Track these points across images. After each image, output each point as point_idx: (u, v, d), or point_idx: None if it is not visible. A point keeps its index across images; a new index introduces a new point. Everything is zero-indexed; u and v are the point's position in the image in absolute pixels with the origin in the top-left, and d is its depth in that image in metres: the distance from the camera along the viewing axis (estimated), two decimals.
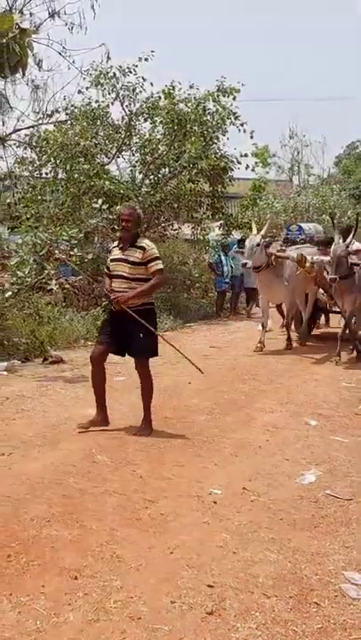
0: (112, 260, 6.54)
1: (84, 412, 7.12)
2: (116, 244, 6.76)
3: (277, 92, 63.82)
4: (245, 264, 11.36)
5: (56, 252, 11.10)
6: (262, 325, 11.97)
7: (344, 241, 10.42)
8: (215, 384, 8.90)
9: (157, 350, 6.58)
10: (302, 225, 14.59)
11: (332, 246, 10.52)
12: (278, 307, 13.81)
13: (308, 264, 11.00)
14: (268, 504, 4.84)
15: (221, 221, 18.49)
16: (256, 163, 23.50)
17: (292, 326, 12.61)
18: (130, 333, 6.38)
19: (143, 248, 6.37)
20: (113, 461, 5.58)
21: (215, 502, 4.81)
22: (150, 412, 6.61)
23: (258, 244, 11.13)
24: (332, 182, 30.53)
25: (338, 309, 11.68)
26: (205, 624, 3.26)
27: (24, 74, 9.12)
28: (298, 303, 12.86)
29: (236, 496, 4.97)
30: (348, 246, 10.36)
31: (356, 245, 10.84)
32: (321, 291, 12.58)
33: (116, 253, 6.53)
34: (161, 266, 6.47)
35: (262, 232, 11.47)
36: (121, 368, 9.89)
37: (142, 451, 5.93)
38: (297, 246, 12.48)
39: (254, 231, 11.75)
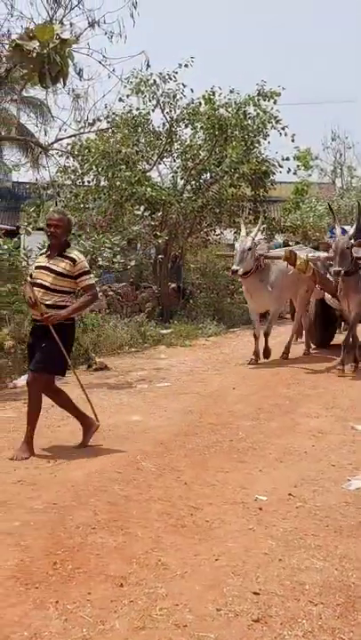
0: (36, 268, 6.03)
1: (129, 418, 7.16)
2: (44, 250, 6.29)
3: (319, 93, 63.39)
4: (236, 271, 10.15)
5: (99, 259, 11.21)
6: (254, 336, 10.95)
7: None
8: (259, 389, 8.86)
9: (55, 369, 5.96)
10: (346, 227, 14.40)
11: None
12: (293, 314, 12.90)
13: (299, 262, 10.02)
14: (315, 510, 4.78)
15: (264, 225, 18.42)
16: (298, 166, 23.31)
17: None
18: (36, 345, 5.91)
19: (73, 260, 5.86)
20: (157, 468, 5.58)
21: (260, 509, 4.77)
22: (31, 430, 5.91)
23: (250, 249, 10.16)
24: None
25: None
26: (252, 632, 3.23)
27: (65, 84, 9.18)
28: (296, 308, 12.05)
29: (282, 502, 4.92)
30: (351, 238, 9.72)
31: None
32: (328, 296, 11.40)
33: (42, 261, 6.02)
34: (93, 281, 6.06)
35: (253, 234, 10.56)
36: (165, 374, 9.96)
37: (186, 457, 5.92)
38: (290, 248, 11.85)
39: (243, 233, 10.77)
